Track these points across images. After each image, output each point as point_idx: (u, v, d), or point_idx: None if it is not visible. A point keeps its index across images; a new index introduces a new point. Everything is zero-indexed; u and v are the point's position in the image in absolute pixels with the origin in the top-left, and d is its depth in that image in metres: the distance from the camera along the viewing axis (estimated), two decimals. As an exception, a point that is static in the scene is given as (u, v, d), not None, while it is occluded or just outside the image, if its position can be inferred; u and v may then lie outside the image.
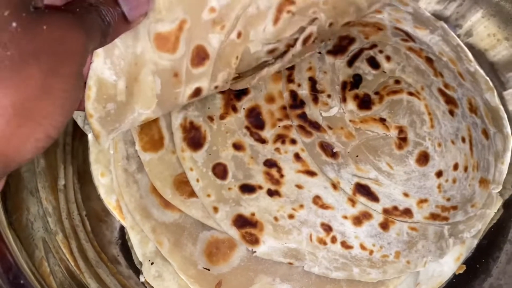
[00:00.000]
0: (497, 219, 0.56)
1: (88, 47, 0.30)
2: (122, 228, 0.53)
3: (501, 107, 0.58)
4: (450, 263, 0.52)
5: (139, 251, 0.51)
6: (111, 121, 0.38)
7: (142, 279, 0.51)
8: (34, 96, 0.26)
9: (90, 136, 0.56)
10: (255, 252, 0.46)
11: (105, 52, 0.34)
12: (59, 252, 0.48)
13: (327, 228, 0.46)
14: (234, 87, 0.47)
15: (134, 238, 0.52)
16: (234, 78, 0.45)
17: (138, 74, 0.37)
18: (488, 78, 0.60)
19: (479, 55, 0.63)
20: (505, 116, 0.58)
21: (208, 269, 0.48)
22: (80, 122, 0.51)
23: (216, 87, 0.43)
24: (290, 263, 0.46)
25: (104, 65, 0.35)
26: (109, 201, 0.54)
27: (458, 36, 0.63)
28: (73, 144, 0.56)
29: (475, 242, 0.54)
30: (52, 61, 0.27)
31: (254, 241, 0.46)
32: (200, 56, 0.39)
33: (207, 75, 0.41)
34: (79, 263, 0.49)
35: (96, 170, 0.55)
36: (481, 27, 0.63)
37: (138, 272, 0.52)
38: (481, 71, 0.60)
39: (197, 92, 0.42)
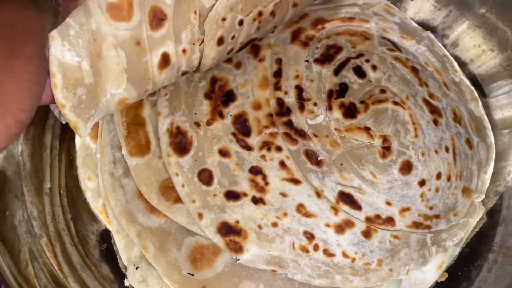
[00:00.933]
0: (479, 228, 0.56)
1: (45, 26, 0.29)
2: (108, 233, 0.53)
3: (485, 117, 0.59)
4: (432, 271, 0.53)
5: (124, 255, 0.51)
6: (85, 108, 0.38)
7: (126, 283, 0.51)
8: None
9: (77, 140, 0.56)
10: (238, 260, 0.46)
11: (60, 35, 0.33)
12: (43, 256, 0.48)
13: (310, 236, 0.47)
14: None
15: (119, 243, 0.52)
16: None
17: (100, 50, 0.36)
18: (473, 88, 0.61)
19: (464, 65, 0.64)
20: (489, 126, 0.59)
21: (193, 274, 0.48)
22: (57, 114, 0.50)
23: (184, 51, 0.42)
24: (274, 270, 0.47)
25: (62, 48, 0.34)
26: (95, 205, 0.54)
27: (445, 46, 0.64)
28: (60, 147, 0.56)
29: (458, 250, 0.54)
30: (11, 42, 0.27)
31: (238, 249, 0.47)
32: (157, 17, 0.38)
33: (169, 37, 0.40)
34: (63, 267, 0.49)
35: (83, 174, 0.55)
36: (467, 37, 0.64)
37: (123, 276, 0.52)
38: (466, 81, 0.61)
39: (166, 59, 0.41)
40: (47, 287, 0.46)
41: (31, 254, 0.47)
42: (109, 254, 0.53)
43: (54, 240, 0.50)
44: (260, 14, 0.47)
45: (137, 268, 0.50)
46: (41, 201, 0.52)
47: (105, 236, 0.54)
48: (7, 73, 0.26)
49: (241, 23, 0.46)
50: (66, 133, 0.56)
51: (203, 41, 0.44)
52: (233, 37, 0.47)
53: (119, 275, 0.52)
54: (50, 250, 0.49)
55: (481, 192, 0.55)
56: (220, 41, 0.46)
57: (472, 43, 0.64)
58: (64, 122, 0.48)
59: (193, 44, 0.43)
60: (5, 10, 0.27)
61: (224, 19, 0.44)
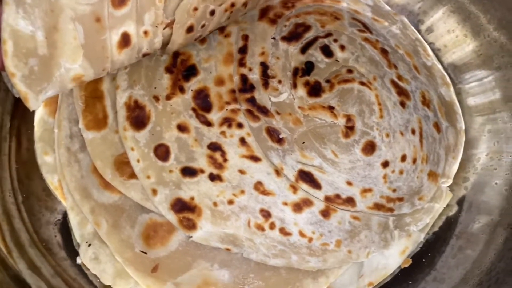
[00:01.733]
0: (447, 215, 0.55)
1: None
2: (63, 210, 0.52)
3: (456, 102, 0.59)
4: (395, 256, 0.51)
5: (78, 232, 0.50)
6: (36, 79, 0.36)
7: (78, 261, 0.49)
8: None
9: (36, 114, 0.54)
10: (191, 237, 0.45)
11: (15, 1, 0.32)
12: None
13: (266, 214, 0.45)
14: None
15: (73, 219, 0.50)
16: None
17: (57, 22, 0.35)
18: (445, 73, 0.60)
19: (438, 51, 0.63)
20: (460, 111, 0.58)
21: (145, 252, 0.46)
22: (9, 86, 0.48)
23: (146, 33, 0.41)
24: (228, 249, 0.45)
25: (16, 15, 0.32)
26: (51, 181, 0.52)
27: (420, 31, 0.63)
28: (11, 123, 0.53)
29: (422, 236, 0.53)
30: None
31: (191, 226, 0.45)
32: None
33: (131, 17, 0.39)
34: (9, 245, 0.47)
35: (40, 149, 0.53)
36: (442, 23, 0.63)
37: (76, 254, 0.50)
38: (439, 66, 0.60)
39: (126, 39, 0.40)
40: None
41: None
42: (63, 231, 0.51)
43: (2, 215, 0.48)
44: (232, 5, 0.46)
45: (89, 245, 0.49)
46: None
47: (60, 214, 0.52)
48: None
49: (212, 13, 0.45)
50: (20, 109, 0.54)
51: (167, 26, 0.43)
52: (203, 26, 0.46)
53: (73, 252, 0.50)
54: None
55: (449, 177, 0.54)
56: (190, 29, 0.45)
57: (446, 28, 0.63)
58: (16, 96, 0.47)
59: (156, 27, 0.42)
60: None
61: (196, 9, 0.43)
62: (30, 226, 0.50)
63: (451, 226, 0.55)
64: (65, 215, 0.52)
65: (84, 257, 0.48)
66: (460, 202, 0.56)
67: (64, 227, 0.51)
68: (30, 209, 0.51)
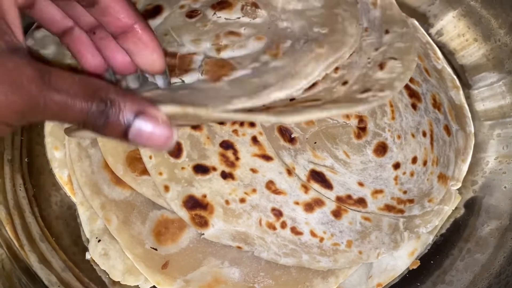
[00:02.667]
0: (455, 218, 0.55)
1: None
2: (72, 205, 0.52)
3: (466, 106, 0.59)
4: (404, 257, 0.51)
5: (87, 227, 0.50)
6: None
7: (88, 256, 0.49)
8: None
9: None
10: (203, 234, 0.45)
11: None
12: (0, 229, 0.46)
13: (278, 213, 0.45)
14: None
15: (83, 215, 0.50)
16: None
17: None
18: (455, 77, 0.60)
19: (449, 54, 0.63)
20: (469, 115, 0.58)
21: (156, 249, 0.46)
22: None
23: None
24: (239, 247, 0.45)
25: None
26: (61, 176, 0.52)
27: (430, 34, 0.64)
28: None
29: (431, 238, 0.53)
30: None
31: (203, 223, 0.45)
32: None
33: None
34: (21, 239, 0.47)
35: (50, 144, 0.53)
36: (452, 27, 0.63)
37: (85, 249, 0.50)
38: (449, 69, 0.60)
39: None
40: (4, 261, 0.44)
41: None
42: (72, 226, 0.51)
43: (13, 210, 0.48)
44: None
45: (99, 241, 0.49)
46: (0, 172, 0.50)
47: (69, 208, 0.52)
48: None
49: None
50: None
51: None
52: None
53: (81, 248, 0.50)
54: (8, 221, 0.47)
55: (458, 180, 0.54)
56: None
57: (456, 32, 0.63)
58: None
59: None
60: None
61: None
62: (40, 221, 0.49)
63: (459, 229, 0.55)
64: (74, 210, 0.52)
65: (94, 253, 0.48)
66: (468, 205, 0.56)
67: (73, 222, 0.51)
68: (40, 204, 0.51)
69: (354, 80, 0.43)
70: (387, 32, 0.49)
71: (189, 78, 0.43)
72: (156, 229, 0.47)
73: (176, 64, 0.44)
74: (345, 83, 0.43)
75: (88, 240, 0.49)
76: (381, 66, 0.43)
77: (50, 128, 0.53)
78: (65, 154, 0.52)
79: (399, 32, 0.49)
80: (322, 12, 0.48)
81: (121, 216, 0.48)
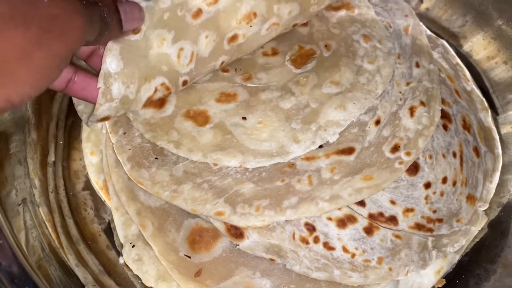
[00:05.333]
0: (480, 238, 0.56)
1: (84, 37, 0.31)
2: (107, 210, 0.53)
3: (494, 128, 0.59)
4: (430, 275, 0.52)
5: (122, 233, 0.51)
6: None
7: (121, 261, 0.50)
8: (9, 57, 0.26)
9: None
10: (238, 246, 0.46)
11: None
12: (42, 226, 0.48)
13: (311, 228, 0.46)
14: None
15: (117, 220, 0.51)
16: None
17: None
18: (483, 99, 0.61)
19: (477, 76, 0.64)
20: (497, 137, 0.59)
21: (189, 257, 0.47)
22: (84, 118, 0.50)
23: None
24: (272, 259, 0.46)
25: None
26: (97, 181, 0.54)
27: (458, 55, 0.65)
28: (66, 121, 0.55)
29: (457, 257, 0.54)
30: (42, 34, 0.27)
31: (238, 235, 0.46)
32: None
33: None
34: (61, 238, 0.48)
35: (87, 149, 0.54)
36: (481, 49, 0.64)
37: (118, 254, 0.51)
38: (477, 91, 0.61)
39: None
40: (43, 256, 0.45)
41: (29, 221, 0.46)
42: (107, 231, 0.52)
43: (53, 211, 0.50)
44: None
45: (133, 246, 0.50)
46: (44, 172, 0.51)
47: (104, 213, 0.53)
48: (23, 56, 0.27)
49: None
50: (73, 108, 0.56)
51: None
52: None
53: (115, 251, 0.52)
54: (49, 220, 0.49)
55: (485, 201, 0.55)
56: None
57: (486, 54, 0.64)
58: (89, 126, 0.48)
59: None
60: (55, 6, 0.28)
61: None
62: (79, 223, 0.51)
63: (484, 249, 0.55)
64: (109, 215, 0.53)
65: (127, 258, 0.49)
66: (493, 225, 0.57)
67: (108, 227, 0.53)
68: (77, 207, 0.52)
69: (385, 122, 0.49)
70: (417, 65, 0.52)
71: None
72: (191, 237, 0.48)
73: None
74: (377, 122, 0.49)
75: (121, 245, 0.50)
76: (412, 111, 0.50)
77: (87, 134, 0.55)
78: (101, 160, 0.54)
79: (427, 68, 0.53)
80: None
81: (156, 223, 0.49)
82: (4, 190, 0.43)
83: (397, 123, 0.50)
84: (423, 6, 0.68)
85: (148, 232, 0.49)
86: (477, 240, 0.56)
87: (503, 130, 0.61)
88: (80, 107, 0.50)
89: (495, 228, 0.56)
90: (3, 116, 0.45)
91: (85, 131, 0.55)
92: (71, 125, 0.56)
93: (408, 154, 0.48)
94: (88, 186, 0.54)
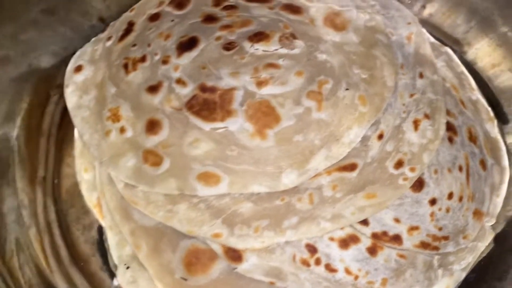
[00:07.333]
0: (487, 253, 0.54)
1: None
2: (101, 228, 0.51)
3: (501, 139, 0.57)
4: (437, 294, 0.50)
5: (115, 253, 0.49)
6: None
7: (116, 283, 0.48)
8: None
9: (76, 131, 0.54)
10: (235, 268, 0.44)
11: None
12: (29, 248, 0.46)
13: (312, 249, 0.44)
14: None
15: (111, 239, 0.49)
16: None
17: None
18: (489, 108, 0.59)
19: (482, 83, 0.62)
20: (504, 148, 0.57)
21: (186, 279, 0.46)
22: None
23: None
24: (272, 283, 0.44)
25: None
26: (90, 198, 0.52)
27: (463, 63, 0.63)
28: (57, 136, 0.53)
29: (463, 275, 0.52)
30: None
31: (236, 257, 0.44)
32: None
33: None
34: (49, 260, 0.47)
35: (80, 165, 0.53)
36: (486, 56, 0.62)
37: (112, 274, 0.49)
38: (483, 101, 0.59)
39: None
40: (31, 281, 0.44)
41: (18, 244, 0.45)
42: (100, 250, 0.51)
43: (43, 231, 0.48)
44: None
45: (128, 267, 0.48)
46: (33, 189, 0.49)
47: (97, 232, 0.51)
48: None
49: None
50: (65, 122, 0.54)
51: None
52: None
53: (109, 272, 0.50)
54: (38, 241, 0.47)
55: (493, 215, 0.53)
56: None
57: (491, 61, 0.62)
58: None
59: None
60: None
61: None
62: (70, 243, 0.49)
63: (492, 266, 0.53)
64: (101, 233, 0.51)
65: (122, 280, 0.48)
66: (500, 241, 0.55)
67: (101, 246, 0.51)
68: (69, 227, 0.50)
69: (388, 136, 0.47)
70: (421, 76, 0.50)
71: (232, 124, 0.43)
72: (187, 258, 0.46)
73: (217, 103, 0.43)
74: (380, 137, 0.46)
75: (115, 266, 0.49)
76: (416, 125, 0.48)
77: (80, 150, 0.53)
78: (94, 176, 0.52)
79: (430, 79, 0.51)
80: (361, 50, 0.48)
81: (151, 243, 0.47)
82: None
83: (401, 137, 0.48)
84: (426, 12, 0.66)
85: (143, 253, 0.47)
86: (483, 255, 0.54)
87: (509, 140, 0.59)
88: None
89: (502, 243, 0.54)
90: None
91: (78, 147, 0.53)
92: (62, 140, 0.53)
93: (412, 170, 0.46)
94: (82, 204, 0.52)
